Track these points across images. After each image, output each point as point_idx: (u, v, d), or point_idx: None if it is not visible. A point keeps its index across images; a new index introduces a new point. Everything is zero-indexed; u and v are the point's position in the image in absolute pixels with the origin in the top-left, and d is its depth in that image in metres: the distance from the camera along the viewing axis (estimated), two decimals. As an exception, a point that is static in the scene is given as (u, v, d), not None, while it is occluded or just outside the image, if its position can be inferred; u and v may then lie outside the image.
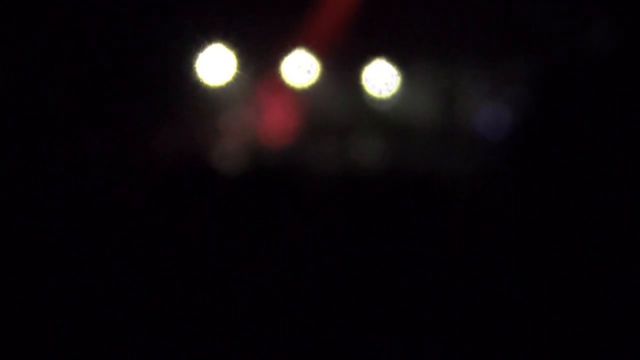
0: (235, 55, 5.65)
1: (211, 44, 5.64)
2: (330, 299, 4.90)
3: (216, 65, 5.67)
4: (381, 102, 5.85)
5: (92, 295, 4.82)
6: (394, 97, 5.82)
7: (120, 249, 5.00)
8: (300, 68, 5.83)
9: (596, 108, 5.07)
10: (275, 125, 5.85)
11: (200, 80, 5.64)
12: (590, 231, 4.88)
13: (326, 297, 4.91)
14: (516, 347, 4.67)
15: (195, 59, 5.63)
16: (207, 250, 5.06)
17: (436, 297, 4.86)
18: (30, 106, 5.31)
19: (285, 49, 5.79)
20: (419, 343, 4.72)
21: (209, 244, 5.09)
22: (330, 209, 5.29)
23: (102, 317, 4.75)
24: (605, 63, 5.16)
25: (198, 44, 5.61)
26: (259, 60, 5.71)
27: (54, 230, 5.00)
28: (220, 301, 4.92)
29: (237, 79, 5.70)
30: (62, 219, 5.06)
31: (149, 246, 5.05)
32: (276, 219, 5.21)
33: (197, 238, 5.10)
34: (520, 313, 4.71)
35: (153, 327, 4.79)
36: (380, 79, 5.82)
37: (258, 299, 4.91)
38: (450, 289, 4.87)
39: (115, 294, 4.85)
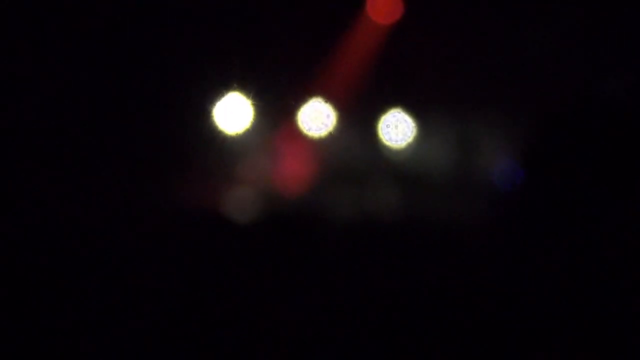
0: (253, 104, 5.62)
1: (229, 92, 5.60)
2: (345, 343, 4.90)
3: (234, 113, 5.64)
4: (397, 151, 5.80)
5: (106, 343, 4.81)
6: (409, 147, 5.77)
7: (137, 296, 4.98)
8: (317, 117, 5.77)
9: (607, 159, 5.07)
10: (292, 173, 5.78)
11: (218, 129, 5.61)
12: (599, 278, 4.87)
13: (341, 342, 4.90)
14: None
15: (214, 107, 5.59)
16: (222, 296, 5.04)
17: (450, 340, 4.87)
18: (50, 154, 5.29)
19: (303, 98, 5.74)
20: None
21: (225, 290, 5.07)
22: (346, 257, 5.25)
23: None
24: (618, 113, 5.14)
25: (216, 93, 5.58)
26: (276, 109, 5.68)
27: (70, 277, 4.98)
28: (236, 345, 4.90)
29: (254, 127, 5.66)
30: (79, 265, 5.04)
31: (166, 292, 5.02)
32: (292, 267, 5.19)
33: (213, 284, 5.10)
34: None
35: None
36: (397, 128, 5.78)
37: (274, 345, 4.89)
38: (464, 333, 4.88)
39: (130, 342, 4.84)
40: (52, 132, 5.34)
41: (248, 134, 5.69)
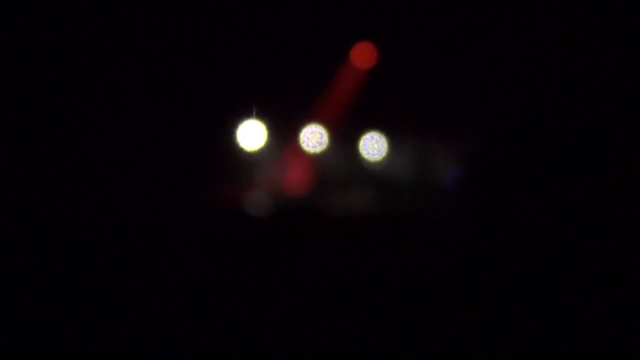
0: (265, 128, 6.05)
1: (247, 118, 6.00)
2: (329, 314, 4.92)
3: (251, 135, 6.06)
4: (373, 164, 6.20)
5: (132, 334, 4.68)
6: (382, 160, 6.19)
7: (175, 278, 5.00)
8: (313, 138, 6.18)
9: (541, 169, 5.12)
10: (295, 180, 6.16)
11: (239, 146, 6.02)
12: (534, 262, 4.90)
13: (326, 312, 4.94)
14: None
15: (236, 130, 6.02)
16: (244, 270, 5.17)
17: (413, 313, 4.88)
18: (98, 169, 5.46)
19: (303, 124, 6.15)
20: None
21: (246, 265, 5.21)
22: (335, 242, 5.49)
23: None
24: (554, 134, 5.15)
25: (237, 119, 6.00)
26: (283, 132, 6.08)
27: (112, 271, 4.94)
28: (235, 312, 4.88)
29: (266, 145, 6.07)
30: (123, 257, 5.05)
31: (201, 273, 5.13)
32: (294, 250, 5.40)
33: (237, 262, 5.25)
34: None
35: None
36: (373, 147, 6.21)
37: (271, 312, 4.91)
38: (425, 309, 4.88)
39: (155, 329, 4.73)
40: (115, 149, 5.51)
41: (262, 150, 6.07)
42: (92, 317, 4.61)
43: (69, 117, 5.34)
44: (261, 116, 6.06)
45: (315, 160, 6.24)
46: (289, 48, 5.77)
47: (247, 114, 6.03)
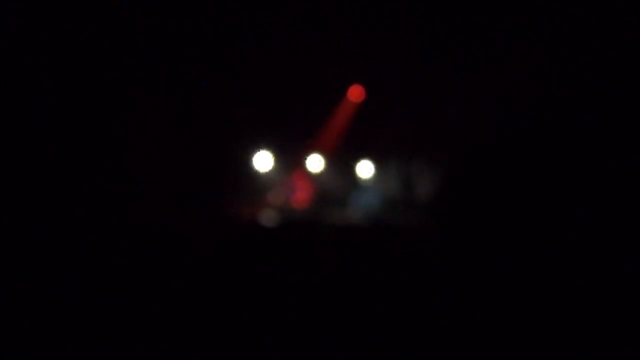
0: (274, 155, 6.59)
1: (260, 147, 6.53)
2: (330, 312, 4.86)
3: (262, 160, 6.58)
4: (364, 182, 6.65)
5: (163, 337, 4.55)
6: (371, 180, 6.67)
7: (193, 288, 4.94)
8: (314, 162, 6.66)
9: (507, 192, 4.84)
10: (299, 196, 6.62)
11: (254, 169, 6.55)
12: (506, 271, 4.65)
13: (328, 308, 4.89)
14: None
15: (251, 156, 6.55)
16: (257, 270, 5.24)
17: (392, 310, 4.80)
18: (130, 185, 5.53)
19: (305, 151, 6.65)
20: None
21: (258, 265, 5.30)
22: (332, 248, 5.58)
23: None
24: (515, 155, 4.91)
25: (252, 147, 6.51)
26: (289, 158, 6.60)
27: (137, 278, 4.88)
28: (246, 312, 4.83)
29: (275, 169, 6.57)
30: (147, 265, 5.00)
31: (216, 281, 5.13)
32: (299, 254, 5.52)
33: (251, 268, 5.32)
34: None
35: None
36: (364, 170, 6.70)
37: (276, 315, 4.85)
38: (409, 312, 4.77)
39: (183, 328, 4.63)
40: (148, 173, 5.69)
41: (272, 172, 6.60)
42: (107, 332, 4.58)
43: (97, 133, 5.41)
44: (272, 147, 6.58)
45: (316, 180, 6.68)
46: (297, 92, 6.23)
47: (261, 146, 6.54)
